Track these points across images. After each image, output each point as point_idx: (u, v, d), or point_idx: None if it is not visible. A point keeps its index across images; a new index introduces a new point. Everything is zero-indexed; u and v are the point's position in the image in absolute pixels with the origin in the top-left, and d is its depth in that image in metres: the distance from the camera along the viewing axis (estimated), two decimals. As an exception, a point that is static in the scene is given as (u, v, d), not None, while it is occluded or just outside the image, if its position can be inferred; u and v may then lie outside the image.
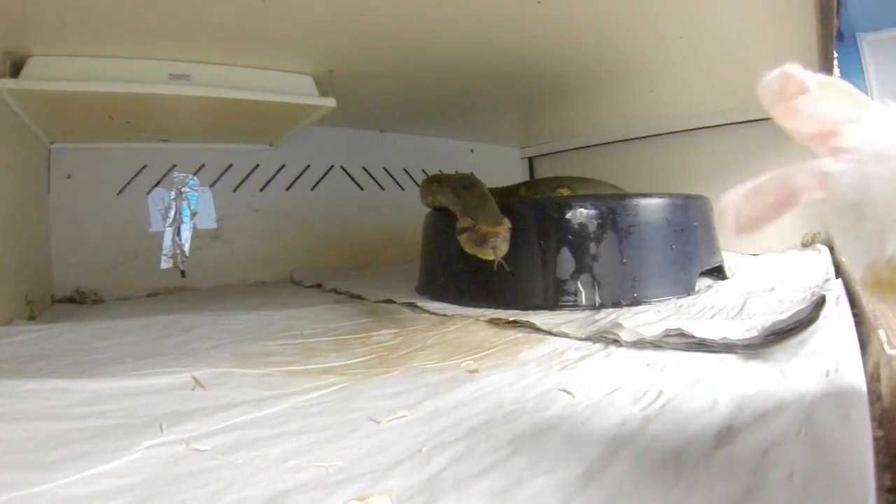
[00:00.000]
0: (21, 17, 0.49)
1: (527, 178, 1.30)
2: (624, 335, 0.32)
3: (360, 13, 0.53)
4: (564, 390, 0.23)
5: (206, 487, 0.16)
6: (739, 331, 0.30)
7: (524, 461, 0.16)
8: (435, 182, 0.61)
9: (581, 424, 0.19)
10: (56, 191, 0.71)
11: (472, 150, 1.16)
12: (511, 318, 0.39)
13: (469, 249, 0.43)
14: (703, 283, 0.57)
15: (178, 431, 0.20)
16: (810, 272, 0.61)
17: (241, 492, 0.15)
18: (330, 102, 0.65)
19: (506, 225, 0.42)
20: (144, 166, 0.76)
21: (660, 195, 0.53)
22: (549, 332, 0.34)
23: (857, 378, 0.22)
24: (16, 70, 0.57)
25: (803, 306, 0.31)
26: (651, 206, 0.51)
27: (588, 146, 1.23)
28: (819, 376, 0.23)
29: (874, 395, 0.21)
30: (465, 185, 0.54)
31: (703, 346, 0.30)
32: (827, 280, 0.50)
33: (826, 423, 0.17)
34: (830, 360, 0.24)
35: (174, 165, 0.78)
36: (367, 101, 0.81)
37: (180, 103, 0.62)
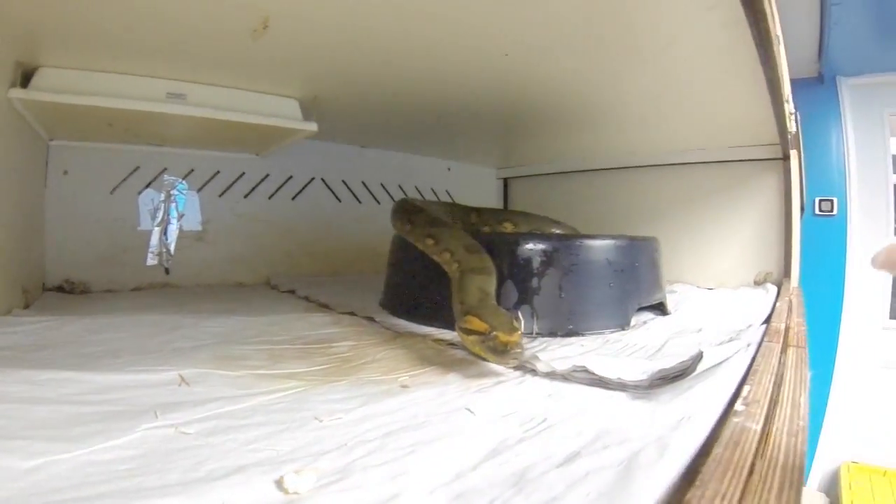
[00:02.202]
0: (33, 29, 0.53)
1: (501, 198, 1.37)
2: (539, 366, 0.38)
3: (344, 46, 0.59)
4: (468, 409, 0.30)
5: (190, 460, 0.22)
6: (636, 372, 0.35)
7: (417, 458, 0.23)
8: (428, 226, 0.56)
9: (470, 437, 0.26)
10: (52, 186, 0.76)
11: (448, 169, 1.23)
12: (452, 341, 0.46)
13: (481, 353, 0.39)
14: (643, 317, 0.64)
15: (169, 418, 0.27)
16: (745, 314, 0.67)
17: (215, 463, 0.22)
18: (312, 126, 0.72)
19: (520, 329, 0.38)
20: (137, 167, 0.82)
21: (604, 237, 0.60)
22: (479, 356, 0.41)
23: (695, 429, 0.26)
24: (26, 79, 0.63)
25: (687, 359, 0.37)
26: (593, 247, 0.58)
27: (561, 172, 1.31)
28: (674, 421, 0.27)
29: (707, 448, 0.24)
30: (466, 247, 0.52)
31: (601, 382, 0.35)
32: (750, 326, 0.57)
33: (638, 465, 0.22)
34: (690, 408, 0.29)
35: (165, 169, 0.84)
36: (349, 120, 0.87)
37: (176, 118, 0.68)
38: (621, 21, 0.53)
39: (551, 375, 0.37)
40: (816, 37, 2.07)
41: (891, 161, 2.45)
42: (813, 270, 2.61)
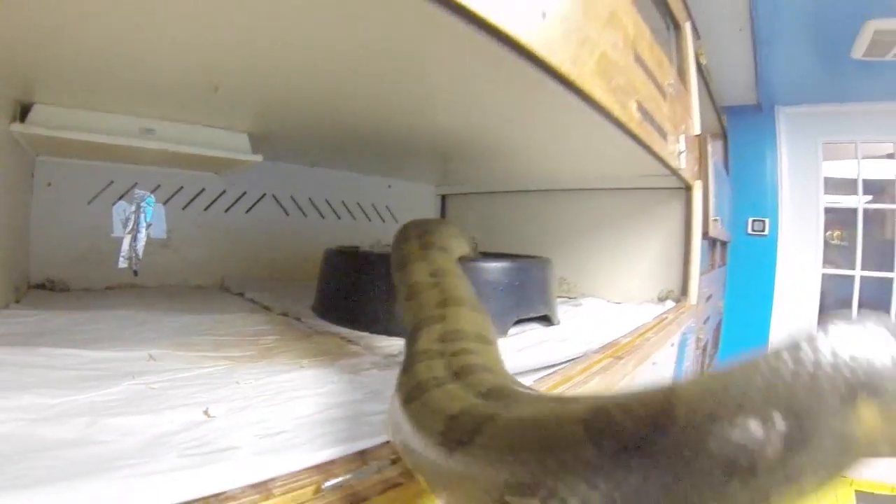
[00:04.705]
0: (29, 73, 0.62)
1: (439, 213, 1.54)
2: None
3: (285, 95, 0.69)
4: (332, 381, 0.46)
5: (155, 400, 0.38)
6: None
7: (292, 404, 0.40)
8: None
9: (327, 396, 0.43)
10: (37, 195, 0.88)
11: (389, 186, 1.39)
12: (349, 338, 0.63)
13: None
14: (527, 328, 0.76)
15: (141, 380, 0.42)
16: (625, 326, 0.82)
17: (171, 402, 0.38)
18: (258, 158, 0.87)
19: None
20: (111, 182, 0.95)
21: (489, 259, 0.74)
22: (359, 350, 0.58)
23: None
24: (24, 112, 0.73)
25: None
26: (475, 268, 0.71)
27: (494, 192, 1.48)
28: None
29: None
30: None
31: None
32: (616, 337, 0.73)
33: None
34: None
35: (136, 183, 0.98)
36: (296, 145, 1.01)
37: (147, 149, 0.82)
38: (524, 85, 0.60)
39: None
40: (752, 68, 2.28)
41: (822, 186, 2.65)
42: (744, 286, 2.84)
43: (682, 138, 1.15)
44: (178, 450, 0.29)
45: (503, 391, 0.21)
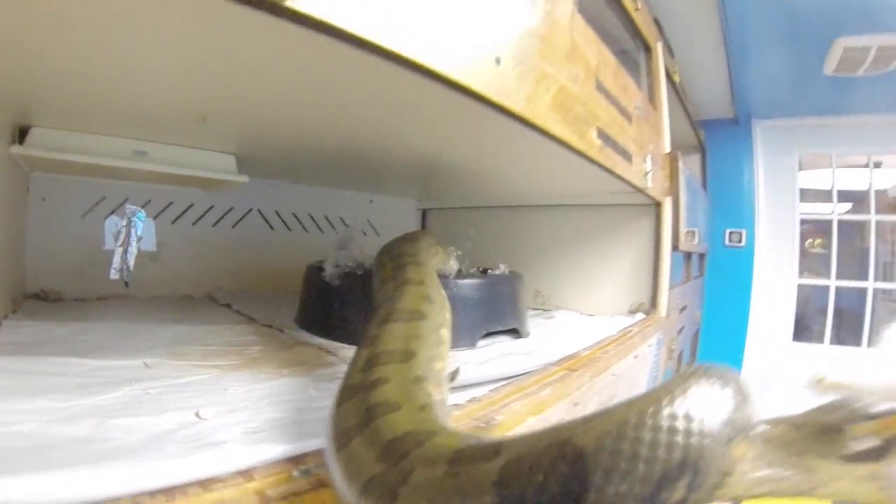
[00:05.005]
0: (27, 99, 0.66)
1: (420, 227, 1.60)
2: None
3: (268, 123, 0.74)
4: (313, 389, 0.52)
5: (152, 404, 0.44)
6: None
7: (271, 409, 0.45)
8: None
9: (307, 401, 0.49)
10: (32, 210, 0.93)
11: (371, 201, 1.45)
12: (328, 349, 0.69)
13: None
14: (496, 340, 0.81)
15: (139, 385, 0.48)
16: (593, 338, 0.89)
17: (165, 406, 0.44)
18: (243, 179, 0.92)
19: None
20: (104, 197, 1.00)
21: (463, 276, 0.79)
22: (335, 360, 0.64)
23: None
24: (22, 133, 0.76)
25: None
26: (447, 284, 0.79)
27: (474, 207, 1.54)
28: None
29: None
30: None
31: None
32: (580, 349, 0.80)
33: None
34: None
35: (127, 199, 1.02)
36: (280, 164, 1.06)
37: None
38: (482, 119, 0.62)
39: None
40: (728, 83, 2.36)
41: (798, 198, 2.71)
42: (722, 296, 2.91)
43: (648, 158, 1.22)
44: (176, 445, 0.34)
45: (405, 443, 0.23)
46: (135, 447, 0.34)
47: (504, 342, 0.81)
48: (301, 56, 0.44)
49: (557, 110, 0.68)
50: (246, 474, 0.30)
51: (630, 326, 1.13)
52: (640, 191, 1.19)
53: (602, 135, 0.87)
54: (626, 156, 1.04)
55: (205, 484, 0.28)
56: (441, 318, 0.42)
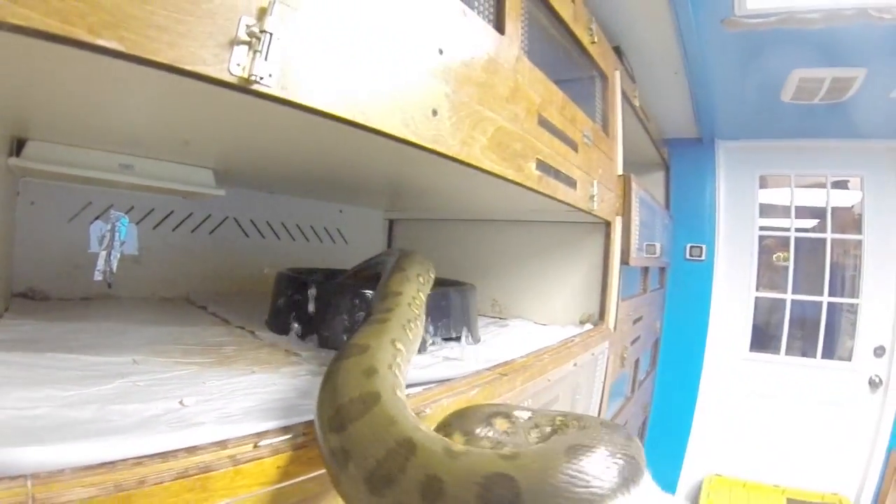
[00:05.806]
0: (23, 114, 0.71)
1: (387, 236, 1.69)
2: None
3: (243, 143, 0.81)
4: (274, 383, 0.62)
5: (144, 395, 0.53)
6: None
7: (240, 399, 0.55)
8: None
9: (268, 392, 0.58)
10: (22, 214, 0.98)
11: (340, 211, 1.53)
12: (294, 350, 0.78)
13: None
14: (446, 346, 0.89)
15: (129, 379, 0.57)
16: (535, 346, 1.00)
17: (153, 396, 0.53)
18: (220, 192, 1.01)
19: None
20: (90, 203, 1.07)
21: None
22: (299, 360, 0.73)
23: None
24: (19, 145, 0.85)
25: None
26: None
27: (437, 219, 1.64)
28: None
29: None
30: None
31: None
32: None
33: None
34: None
35: (112, 205, 1.09)
36: (256, 176, 1.15)
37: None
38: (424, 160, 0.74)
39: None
40: (691, 106, 2.48)
41: (758, 215, 2.83)
42: (682, 308, 3.05)
43: (595, 183, 1.33)
44: (165, 425, 0.44)
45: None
46: (132, 426, 0.44)
47: (454, 348, 0.89)
48: (271, 117, 0.54)
49: (494, 149, 0.78)
50: (221, 444, 0.40)
51: (573, 336, 1.24)
52: (588, 213, 1.29)
53: (542, 166, 0.98)
54: (570, 182, 1.15)
55: (190, 450, 0.38)
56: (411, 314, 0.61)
